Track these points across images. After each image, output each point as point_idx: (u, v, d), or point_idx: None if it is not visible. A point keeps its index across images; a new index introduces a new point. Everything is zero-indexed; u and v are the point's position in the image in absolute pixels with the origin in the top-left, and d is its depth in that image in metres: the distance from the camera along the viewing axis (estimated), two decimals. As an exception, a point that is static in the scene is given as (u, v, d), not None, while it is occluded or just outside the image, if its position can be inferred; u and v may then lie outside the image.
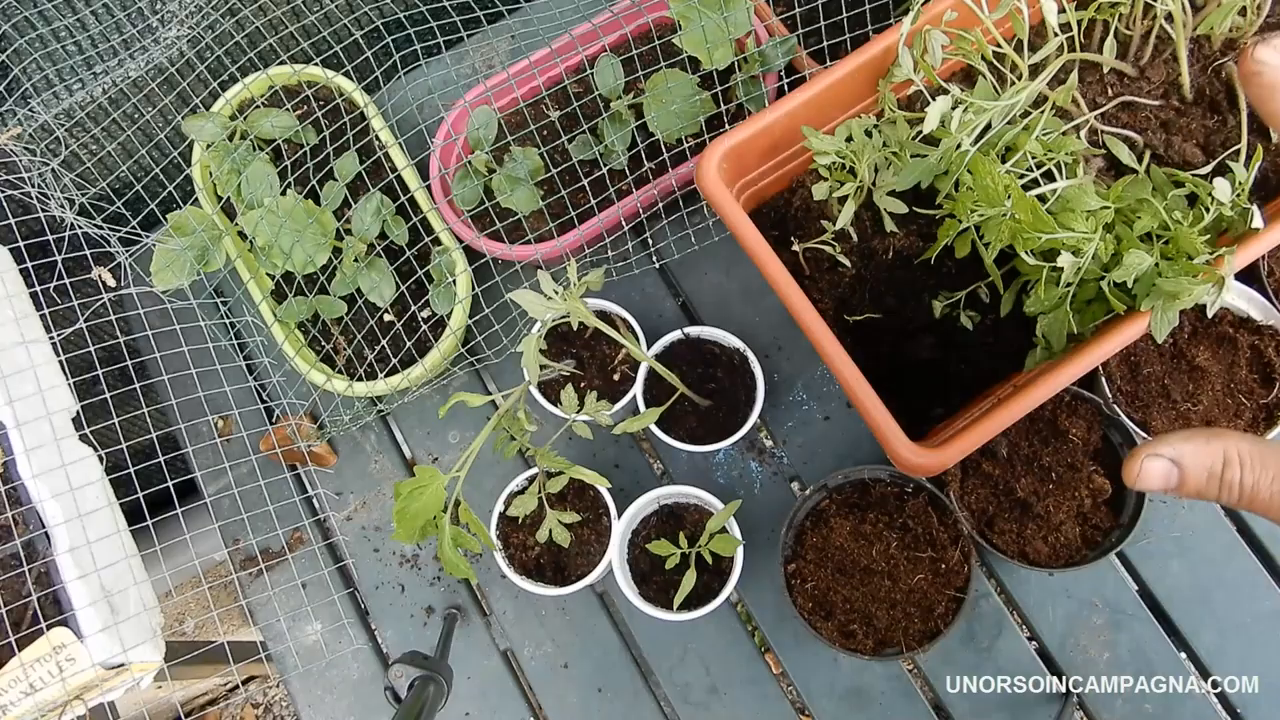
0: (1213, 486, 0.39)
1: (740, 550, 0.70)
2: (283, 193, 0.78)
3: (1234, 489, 0.39)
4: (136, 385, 0.77)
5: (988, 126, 0.61)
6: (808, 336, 0.59)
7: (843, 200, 0.64)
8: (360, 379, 0.79)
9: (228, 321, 0.88)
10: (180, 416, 0.83)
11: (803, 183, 0.71)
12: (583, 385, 0.77)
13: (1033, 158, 0.60)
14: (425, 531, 0.58)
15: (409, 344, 0.78)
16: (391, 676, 0.66)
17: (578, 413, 0.69)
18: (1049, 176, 0.60)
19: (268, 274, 0.80)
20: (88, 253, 0.76)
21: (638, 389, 0.74)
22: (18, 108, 0.76)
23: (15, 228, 0.75)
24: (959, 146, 0.60)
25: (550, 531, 0.71)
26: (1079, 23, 0.64)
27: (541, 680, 0.79)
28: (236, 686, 1.42)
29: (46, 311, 0.79)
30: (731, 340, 0.75)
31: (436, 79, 0.88)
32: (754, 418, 0.73)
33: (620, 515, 0.73)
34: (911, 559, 0.70)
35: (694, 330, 0.77)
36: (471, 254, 0.80)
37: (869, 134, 0.63)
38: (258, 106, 0.82)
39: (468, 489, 0.81)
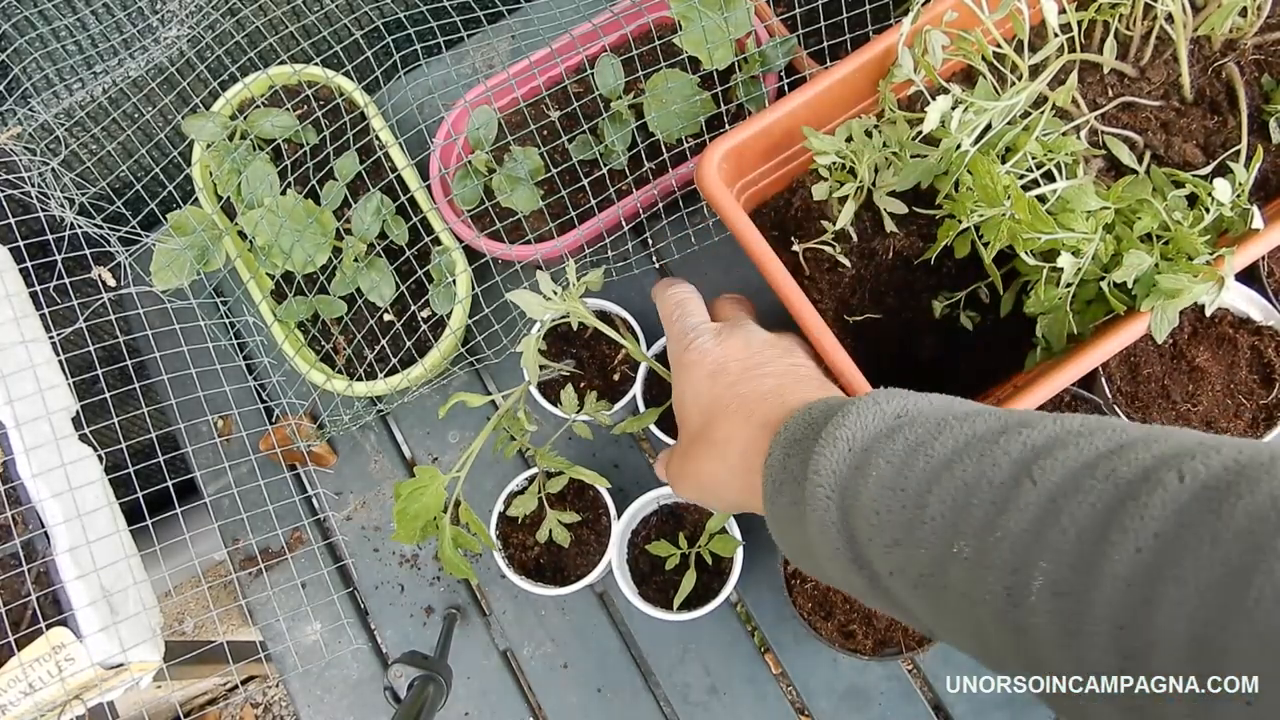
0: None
1: (740, 550, 0.70)
2: (283, 192, 0.78)
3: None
4: (136, 385, 0.77)
5: (988, 127, 0.61)
6: (808, 337, 0.59)
7: (843, 200, 0.64)
8: (360, 379, 0.79)
9: (227, 321, 0.88)
10: (180, 416, 0.83)
11: (803, 183, 0.71)
12: (582, 385, 0.77)
13: (1033, 158, 0.60)
14: (425, 532, 0.58)
15: (409, 344, 0.78)
16: (391, 676, 0.66)
17: (577, 413, 0.69)
18: (1049, 177, 0.60)
19: (267, 274, 0.80)
20: (87, 252, 0.76)
21: (637, 389, 0.74)
22: (17, 107, 0.76)
23: (15, 227, 0.75)
24: (959, 147, 0.60)
25: (550, 531, 0.71)
26: (1079, 23, 0.64)
27: (541, 680, 0.79)
28: (236, 686, 1.42)
29: (46, 311, 0.79)
30: None
31: (437, 79, 0.88)
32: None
33: (620, 515, 0.73)
34: (911, 559, 0.70)
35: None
36: (471, 254, 0.80)
37: (869, 134, 0.63)
38: (258, 106, 0.82)
39: (467, 489, 0.81)
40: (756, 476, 0.47)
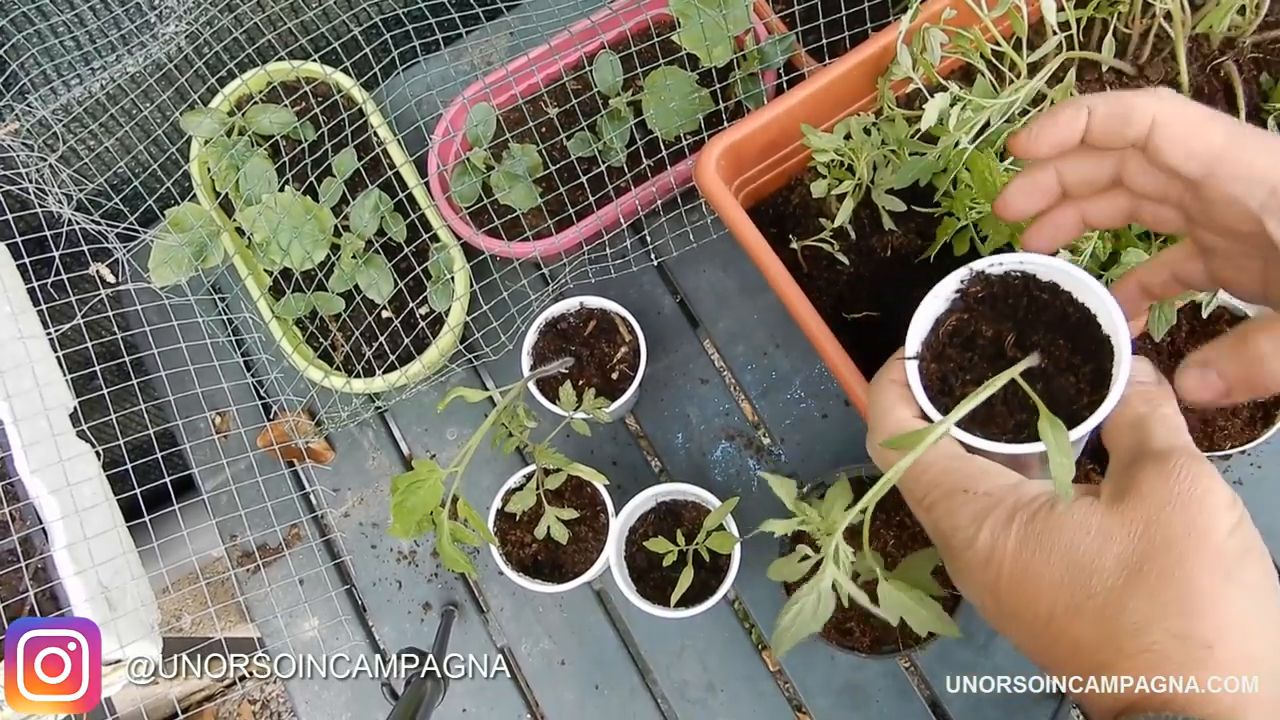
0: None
1: (738, 548, 0.70)
2: (281, 189, 0.78)
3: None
4: (134, 381, 0.77)
5: (986, 124, 0.61)
6: (806, 334, 0.59)
7: (841, 198, 0.64)
8: (358, 375, 0.79)
9: (225, 318, 0.88)
10: (178, 413, 0.83)
11: (801, 180, 0.71)
12: (581, 383, 0.77)
13: (1031, 156, 0.60)
14: (422, 527, 0.58)
15: (407, 341, 0.77)
16: (388, 673, 0.66)
17: (576, 410, 0.69)
18: (1047, 174, 0.60)
19: (265, 270, 0.80)
20: (85, 248, 0.75)
21: (634, 386, 0.74)
22: (15, 103, 0.76)
23: (13, 223, 0.75)
24: (958, 144, 0.60)
25: (549, 528, 0.71)
26: (1078, 21, 0.64)
27: (539, 677, 0.79)
28: (233, 683, 1.43)
29: (44, 307, 0.79)
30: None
31: (435, 75, 0.88)
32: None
33: (618, 512, 0.73)
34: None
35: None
36: (470, 251, 0.80)
37: (867, 132, 0.63)
38: (256, 102, 0.82)
39: (465, 486, 0.81)
40: None
